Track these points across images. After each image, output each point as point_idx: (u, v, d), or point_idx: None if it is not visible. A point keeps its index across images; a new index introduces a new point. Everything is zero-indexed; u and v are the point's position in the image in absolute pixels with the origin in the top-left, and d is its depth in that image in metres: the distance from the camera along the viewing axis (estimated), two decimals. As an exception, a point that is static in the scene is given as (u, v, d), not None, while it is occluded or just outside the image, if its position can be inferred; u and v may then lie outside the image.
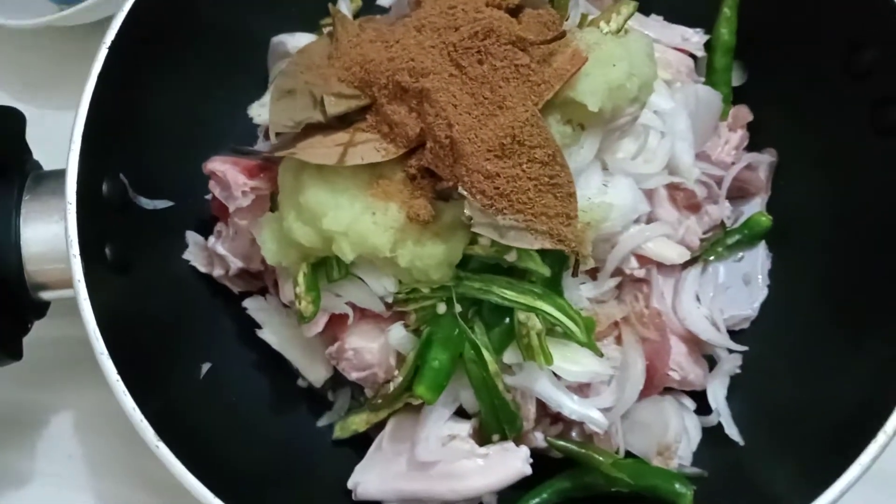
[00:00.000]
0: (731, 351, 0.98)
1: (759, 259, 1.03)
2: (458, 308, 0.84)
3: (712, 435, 0.97)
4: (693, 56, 1.05)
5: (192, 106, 1.03)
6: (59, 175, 0.86)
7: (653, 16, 1.08)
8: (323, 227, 0.81)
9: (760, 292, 1.02)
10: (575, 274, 0.82)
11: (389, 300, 0.88)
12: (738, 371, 0.99)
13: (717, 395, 0.98)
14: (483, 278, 0.84)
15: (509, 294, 0.83)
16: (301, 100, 0.86)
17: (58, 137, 0.88)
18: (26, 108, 0.97)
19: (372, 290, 0.87)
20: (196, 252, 1.02)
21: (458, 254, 0.82)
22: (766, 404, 0.97)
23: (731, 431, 0.95)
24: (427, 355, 0.85)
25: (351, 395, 1.02)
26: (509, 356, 0.87)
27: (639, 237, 0.90)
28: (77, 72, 0.88)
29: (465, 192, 0.77)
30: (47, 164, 0.97)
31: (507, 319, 0.86)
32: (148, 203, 0.97)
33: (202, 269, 1.01)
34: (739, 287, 1.02)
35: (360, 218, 0.81)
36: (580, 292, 0.90)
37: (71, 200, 0.84)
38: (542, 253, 0.81)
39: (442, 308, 0.85)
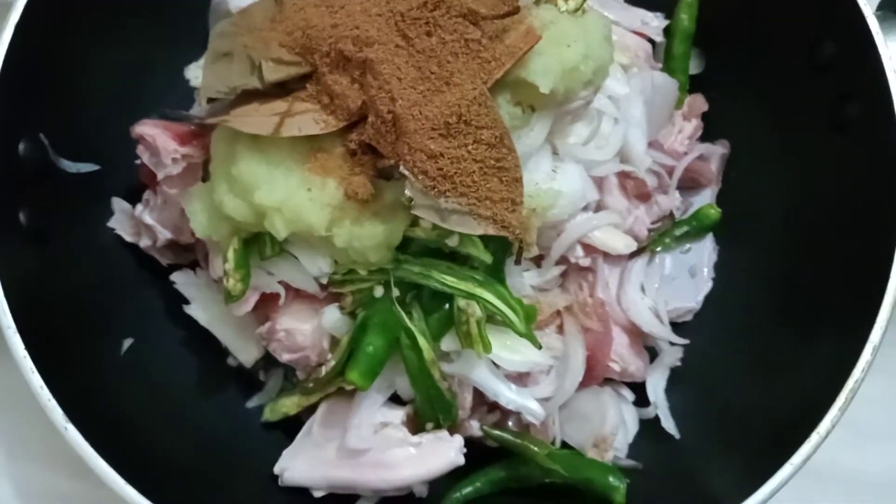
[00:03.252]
0: (672, 343, 0.97)
1: (705, 251, 1.02)
2: (395, 292, 0.81)
3: (650, 428, 0.96)
4: (651, 41, 1.03)
5: (125, 63, 0.97)
6: (-32, 131, 0.80)
7: (612, -4, 1.04)
8: (255, 201, 0.77)
9: (706, 285, 1.01)
10: (518, 262, 0.79)
11: (324, 281, 0.84)
12: (679, 364, 0.98)
13: (657, 387, 0.97)
14: (423, 262, 0.81)
15: (449, 280, 0.80)
16: (238, 64, 0.81)
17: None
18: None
19: (306, 269, 0.83)
20: (122, 220, 0.96)
21: (398, 236, 0.79)
22: (705, 399, 0.96)
23: (668, 424, 0.95)
24: (362, 340, 0.82)
25: (284, 376, 0.98)
26: (447, 343, 0.84)
27: (586, 226, 0.88)
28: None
29: (406, 172, 0.73)
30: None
31: (447, 305, 0.83)
32: (70, 166, 0.91)
33: (128, 239, 0.96)
34: (685, 279, 1.01)
35: (295, 193, 0.77)
36: (523, 280, 0.88)
37: (-19, 160, 0.78)
38: (485, 239, 0.78)
39: (379, 291, 0.82)
